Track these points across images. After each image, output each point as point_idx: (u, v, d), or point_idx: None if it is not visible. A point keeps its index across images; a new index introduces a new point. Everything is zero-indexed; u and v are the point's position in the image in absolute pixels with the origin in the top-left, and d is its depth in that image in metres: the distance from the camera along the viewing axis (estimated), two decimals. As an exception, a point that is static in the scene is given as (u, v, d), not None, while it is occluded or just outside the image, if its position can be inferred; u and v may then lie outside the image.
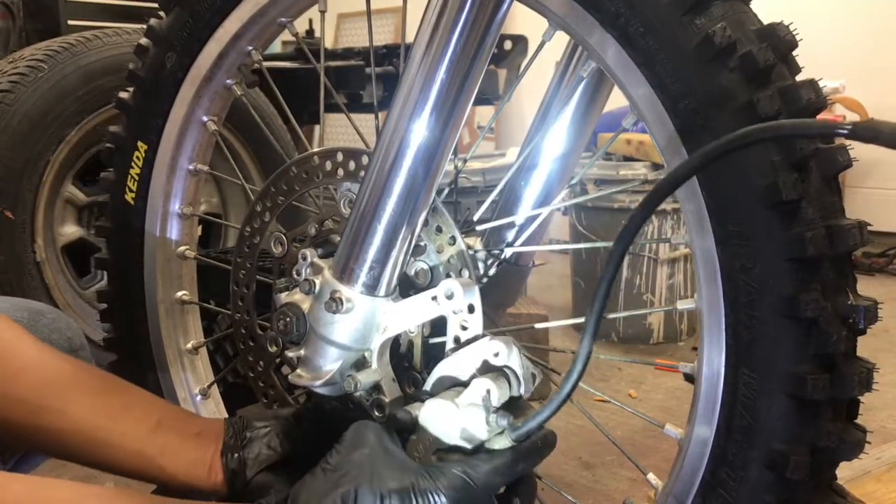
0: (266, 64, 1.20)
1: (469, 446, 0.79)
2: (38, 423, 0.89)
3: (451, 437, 0.79)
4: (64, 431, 0.90)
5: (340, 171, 0.99)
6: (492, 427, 0.78)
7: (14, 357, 0.91)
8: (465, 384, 0.82)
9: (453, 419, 0.79)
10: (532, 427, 0.78)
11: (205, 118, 1.22)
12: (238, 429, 0.93)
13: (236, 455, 0.91)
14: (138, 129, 1.24)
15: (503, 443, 0.78)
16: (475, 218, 1.05)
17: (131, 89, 1.25)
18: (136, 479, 0.93)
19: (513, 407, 0.80)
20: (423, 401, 0.83)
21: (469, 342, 0.84)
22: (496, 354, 0.81)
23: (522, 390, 0.81)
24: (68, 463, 0.94)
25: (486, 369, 0.82)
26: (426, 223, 0.91)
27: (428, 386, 0.86)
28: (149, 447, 0.90)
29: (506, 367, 0.81)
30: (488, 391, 0.78)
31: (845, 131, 0.64)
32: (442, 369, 0.85)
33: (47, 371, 0.91)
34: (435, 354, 0.89)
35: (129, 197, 1.26)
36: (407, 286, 0.93)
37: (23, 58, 2.05)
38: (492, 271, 1.10)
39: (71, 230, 2.23)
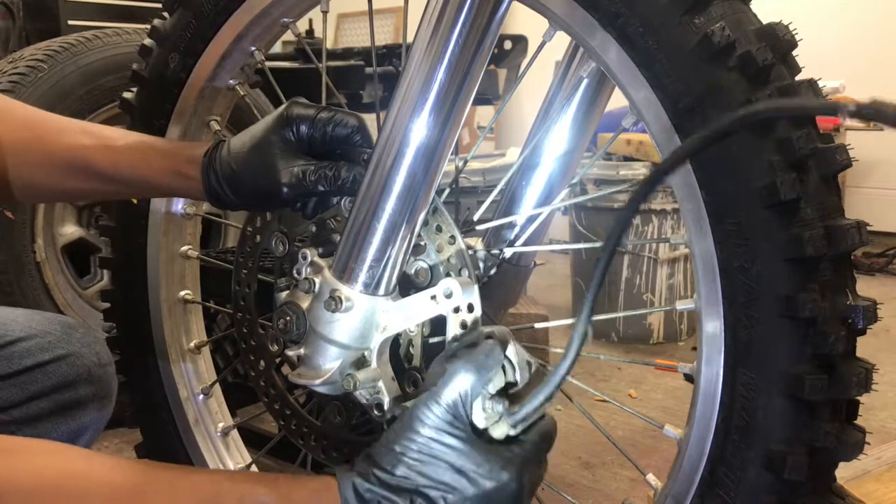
0: (268, 64, 1.20)
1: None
2: None
3: None
4: None
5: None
6: (488, 414, 0.78)
7: None
8: None
9: None
10: (529, 411, 0.78)
11: (208, 119, 1.22)
12: None
13: None
14: (142, 130, 1.24)
15: (502, 430, 0.78)
16: (475, 218, 1.05)
17: (135, 89, 1.25)
18: None
19: (511, 396, 0.80)
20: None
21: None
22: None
23: (518, 377, 0.81)
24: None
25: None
26: (426, 223, 0.91)
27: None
28: None
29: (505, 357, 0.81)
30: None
31: (849, 110, 0.63)
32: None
33: None
34: (435, 353, 0.89)
35: (133, 197, 1.26)
36: (407, 285, 0.93)
37: (23, 58, 2.04)
38: (492, 272, 1.09)
39: (71, 230, 2.23)
